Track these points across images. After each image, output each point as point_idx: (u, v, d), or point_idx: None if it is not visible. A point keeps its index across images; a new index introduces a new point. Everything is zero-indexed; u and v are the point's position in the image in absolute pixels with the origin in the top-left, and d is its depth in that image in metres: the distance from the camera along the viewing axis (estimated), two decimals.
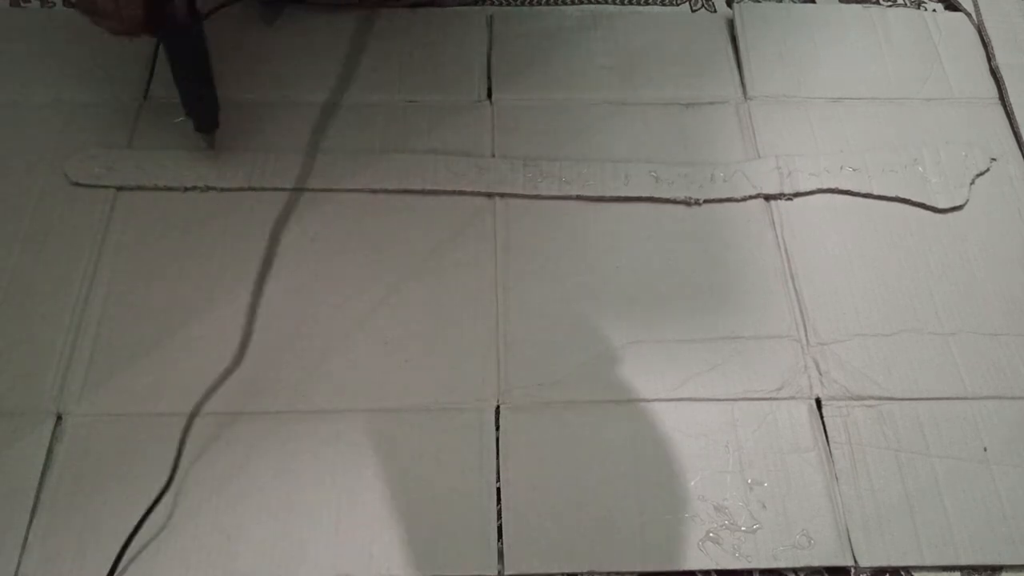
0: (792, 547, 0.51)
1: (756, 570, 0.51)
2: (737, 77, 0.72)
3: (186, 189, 0.64)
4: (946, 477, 0.54)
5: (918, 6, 0.78)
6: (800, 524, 0.52)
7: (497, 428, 0.55)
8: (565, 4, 0.77)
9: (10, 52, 0.71)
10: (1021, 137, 0.69)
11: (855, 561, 0.51)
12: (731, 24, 0.75)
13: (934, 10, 0.77)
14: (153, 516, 0.51)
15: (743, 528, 0.51)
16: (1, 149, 0.65)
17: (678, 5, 0.77)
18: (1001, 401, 0.57)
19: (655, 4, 0.77)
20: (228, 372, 0.54)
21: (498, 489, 0.52)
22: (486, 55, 0.73)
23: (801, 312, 0.60)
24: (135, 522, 0.50)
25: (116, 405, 0.55)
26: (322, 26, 0.74)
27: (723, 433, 0.55)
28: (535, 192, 0.64)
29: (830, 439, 0.55)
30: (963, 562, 0.51)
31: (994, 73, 0.72)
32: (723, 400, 0.56)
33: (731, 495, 0.53)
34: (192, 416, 0.53)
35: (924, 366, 0.58)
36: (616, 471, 0.53)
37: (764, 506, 0.52)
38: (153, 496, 0.51)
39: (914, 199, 0.65)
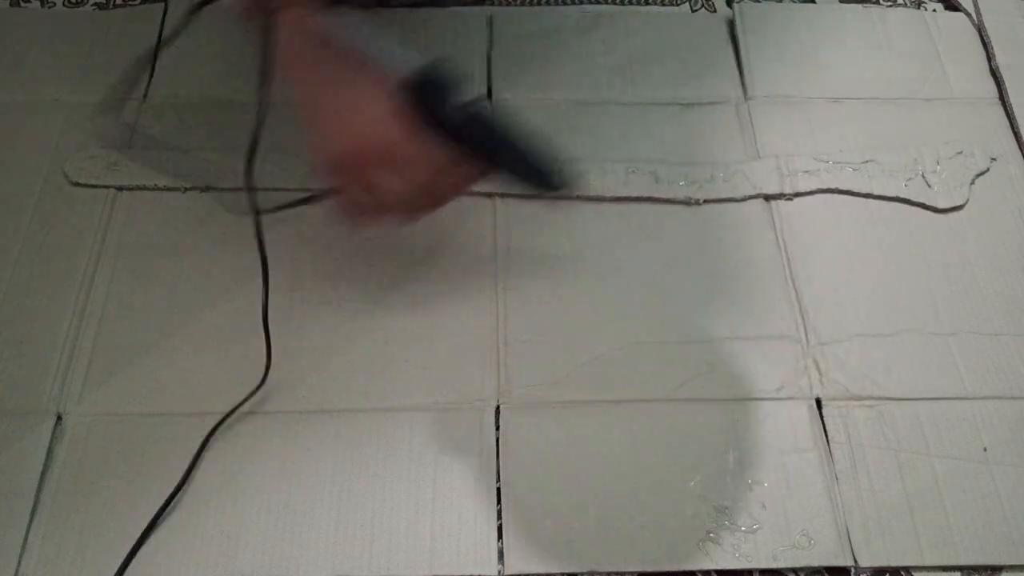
0: (792, 547, 0.51)
1: (756, 570, 0.51)
2: (737, 77, 0.72)
3: (186, 189, 0.64)
4: (946, 477, 0.53)
5: (918, 6, 0.78)
6: (800, 524, 0.52)
7: (497, 428, 0.55)
8: (565, 4, 0.77)
9: (10, 52, 0.71)
10: (1021, 137, 0.69)
11: (855, 561, 0.51)
12: (731, 24, 0.75)
13: (934, 10, 0.77)
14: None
15: (743, 528, 0.51)
16: (1, 149, 0.65)
17: (678, 5, 0.77)
18: (1001, 401, 0.57)
19: (655, 4, 0.77)
20: (252, 392, 0.54)
21: (498, 489, 0.52)
22: (486, 55, 0.73)
23: (801, 312, 0.60)
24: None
25: (116, 405, 0.55)
26: None
27: (723, 433, 0.55)
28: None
29: (830, 439, 0.55)
30: (963, 562, 0.51)
31: (994, 73, 0.72)
32: (723, 400, 0.56)
33: (731, 495, 0.52)
34: (214, 429, 0.53)
35: (924, 366, 0.58)
36: (616, 471, 0.53)
37: (764, 506, 0.52)
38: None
39: (914, 199, 0.65)
